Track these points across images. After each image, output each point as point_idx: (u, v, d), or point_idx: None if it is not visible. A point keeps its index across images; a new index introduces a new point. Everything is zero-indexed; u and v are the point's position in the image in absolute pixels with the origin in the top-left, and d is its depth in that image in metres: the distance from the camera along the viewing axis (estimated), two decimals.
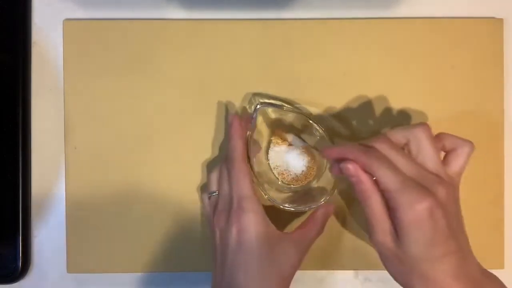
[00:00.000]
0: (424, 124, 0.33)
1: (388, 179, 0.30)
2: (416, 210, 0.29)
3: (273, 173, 0.42)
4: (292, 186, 0.42)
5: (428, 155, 0.32)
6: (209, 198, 0.40)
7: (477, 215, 0.44)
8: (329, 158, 0.36)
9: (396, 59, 0.44)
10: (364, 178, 0.32)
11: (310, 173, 0.42)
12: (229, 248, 0.35)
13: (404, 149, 0.34)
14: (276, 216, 0.42)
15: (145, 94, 0.44)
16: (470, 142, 0.34)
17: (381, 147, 0.32)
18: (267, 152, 0.43)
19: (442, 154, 0.35)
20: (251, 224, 0.35)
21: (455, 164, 0.34)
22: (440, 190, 0.30)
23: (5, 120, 0.44)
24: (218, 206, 0.38)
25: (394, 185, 0.30)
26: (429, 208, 0.29)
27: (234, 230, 0.35)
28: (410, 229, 0.30)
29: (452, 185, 0.32)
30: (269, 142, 0.43)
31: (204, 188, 0.43)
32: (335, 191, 0.40)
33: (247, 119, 0.40)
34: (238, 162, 0.37)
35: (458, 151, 0.34)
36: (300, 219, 0.43)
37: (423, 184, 0.30)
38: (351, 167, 0.32)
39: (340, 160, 0.33)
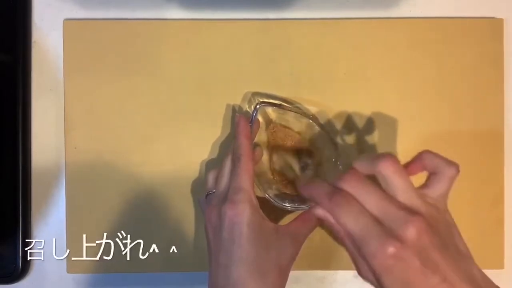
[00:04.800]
0: (387, 158, 0.30)
1: (349, 227, 0.30)
2: (380, 259, 0.28)
3: (273, 173, 0.42)
4: (290, 186, 0.42)
5: (397, 189, 0.30)
6: (206, 197, 0.40)
7: (477, 215, 0.44)
8: (302, 195, 0.35)
9: (396, 59, 0.44)
10: (334, 222, 0.31)
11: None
12: (222, 243, 0.35)
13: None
14: (274, 215, 0.42)
15: (145, 94, 0.44)
16: (455, 165, 0.31)
17: (348, 186, 0.31)
18: (267, 152, 0.43)
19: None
20: (244, 215, 0.34)
21: (437, 188, 0.31)
22: (410, 229, 0.28)
23: (5, 120, 0.44)
24: (212, 202, 0.37)
25: (356, 234, 0.29)
26: (393, 255, 0.28)
27: (226, 224, 0.35)
28: (381, 275, 0.29)
29: (434, 210, 0.30)
30: (269, 141, 0.43)
31: (202, 188, 0.43)
32: None
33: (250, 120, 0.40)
34: (244, 158, 0.37)
35: (439, 175, 0.31)
36: None
37: (390, 225, 0.29)
38: (319, 212, 0.32)
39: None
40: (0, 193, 0.44)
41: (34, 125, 0.45)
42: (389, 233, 0.28)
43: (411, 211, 0.29)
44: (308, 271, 0.45)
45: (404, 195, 0.30)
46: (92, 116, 0.44)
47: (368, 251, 0.29)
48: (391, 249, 0.28)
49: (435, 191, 0.31)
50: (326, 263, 0.44)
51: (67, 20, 0.44)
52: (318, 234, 0.41)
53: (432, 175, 0.32)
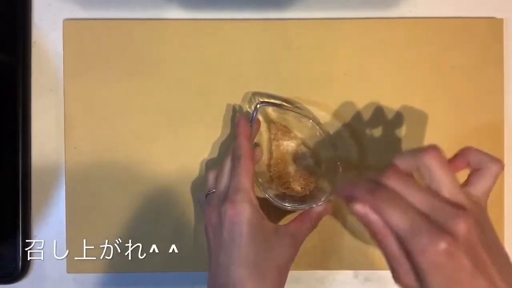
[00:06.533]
0: (432, 150, 0.30)
1: (396, 222, 0.28)
2: (430, 255, 0.26)
3: (272, 173, 0.42)
4: (291, 186, 0.42)
5: (442, 183, 0.29)
6: (206, 196, 0.40)
7: None
8: (340, 196, 0.34)
9: (396, 59, 0.44)
10: (374, 219, 0.29)
11: (308, 177, 0.42)
12: (222, 243, 0.35)
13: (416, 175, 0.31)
14: (274, 215, 0.42)
15: (145, 93, 0.44)
16: (498, 161, 0.31)
17: (391, 182, 0.29)
18: (267, 151, 0.43)
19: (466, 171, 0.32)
20: (244, 215, 0.35)
21: (480, 185, 0.31)
22: (460, 224, 0.27)
23: (5, 120, 0.44)
24: (212, 202, 0.37)
25: (404, 228, 0.28)
26: (445, 251, 0.26)
27: (226, 224, 0.35)
28: (428, 273, 0.27)
29: (478, 208, 0.29)
30: (269, 141, 0.43)
31: (202, 188, 0.43)
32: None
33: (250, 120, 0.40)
34: (244, 158, 0.37)
35: (483, 171, 0.31)
36: None
37: (438, 220, 0.27)
38: (359, 208, 0.29)
39: (350, 198, 0.30)
40: (0, 193, 0.44)
41: (34, 125, 0.45)
42: (440, 228, 0.27)
43: (458, 206, 0.28)
44: (308, 271, 0.45)
45: (449, 190, 0.29)
46: (92, 116, 0.44)
47: (417, 247, 0.27)
48: (442, 245, 0.26)
49: (478, 189, 0.31)
50: (326, 263, 0.44)
51: (67, 20, 0.44)
52: (318, 234, 0.41)
53: (475, 172, 0.31)
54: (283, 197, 0.41)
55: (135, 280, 0.45)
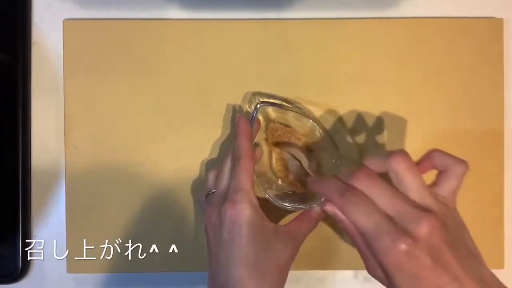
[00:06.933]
0: (400, 154, 0.31)
1: (361, 223, 0.30)
2: (392, 256, 0.28)
3: (273, 172, 0.42)
4: (291, 187, 0.42)
5: (409, 186, 0.30)
6: (206, 196, 0.40)
7: (477, 215, 0.44)
8: (311, 190, 0.36)
9: (396, 59, 0.44)
10: (343, 218, 0.31)
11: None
12: (222, 243, 0.35)
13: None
14: (274, 215, 0.42)
15: (145, 93, 0.44)
16: (463, 162, 0.32)
17: (360, 182, 0.31)
18: (267, 150, 0.43)
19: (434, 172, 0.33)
20: (244, 215, 0.35)
21: (446, 186, 0.32)
22: (422, 226, 0.28)
23: (5, 120, 0.44)
24: (212, 202, 0.37)
25: (367, 230, 0.29)
26: (406, 252, 0.28)
27: (226, 223, 0.35)
28: (392, 272, 0.29)
29: (445, 209, 0.31)
30: (268, 140, 0.43)
31: (202, 188, 0.43)
32: None
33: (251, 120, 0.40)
34: (244, 158, 0.37)
35: (448, 172, 0.32)
36: None
37: (402, 222, 0.29)
38: (329, 209, 0.32)
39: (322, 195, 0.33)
40: (0, 193, 0.44)
41: (34, 125, 0.45)
42: (401, 230, 0.28)
43: (423, 209, 0.29)
44: (308, 271, 0.45)
45: (416, 192, 0.30)
46: (92, 116, 0.44)
47: (380, 248, 0.29)
48: (403, 246, 0.28)
49: (445, 189, 0.32)
50: (326, 263, 0.44)
51: (67, 20, 0.44)
52: (318, 234, 0.41)
53: (441, 173, 0.32)
54: (283, 197, 0.41)
55: (135, 280, 0.45)
